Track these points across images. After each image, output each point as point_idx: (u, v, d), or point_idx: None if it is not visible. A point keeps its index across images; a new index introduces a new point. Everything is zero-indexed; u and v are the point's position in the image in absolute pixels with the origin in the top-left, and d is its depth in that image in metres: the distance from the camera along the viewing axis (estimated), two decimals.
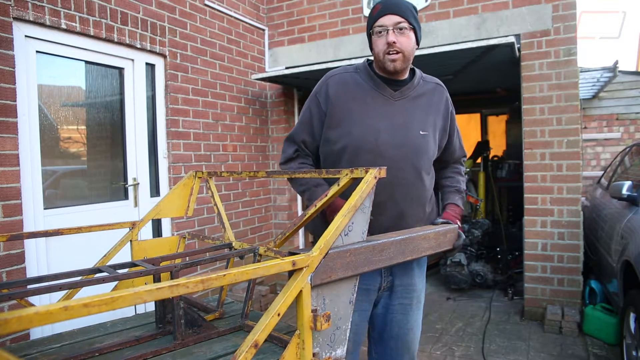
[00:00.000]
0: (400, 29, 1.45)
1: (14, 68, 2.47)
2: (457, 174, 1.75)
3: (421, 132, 1.53)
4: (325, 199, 1.29)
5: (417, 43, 1.55)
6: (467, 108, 8.05)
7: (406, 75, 1.58)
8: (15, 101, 2.48)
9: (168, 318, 1.37)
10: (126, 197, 3.30)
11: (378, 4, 1.52)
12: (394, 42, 1.44)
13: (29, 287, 1.18)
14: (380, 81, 1.53)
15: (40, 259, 2.65)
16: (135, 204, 3.32)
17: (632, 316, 2.59)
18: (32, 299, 2.02)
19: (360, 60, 1.67)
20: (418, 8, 3.95)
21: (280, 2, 4.65)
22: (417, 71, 1.63)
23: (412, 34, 1.49)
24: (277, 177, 2.13)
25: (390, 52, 1.46)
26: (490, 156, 6.38)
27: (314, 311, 1.04)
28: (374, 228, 1.44)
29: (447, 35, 3.90)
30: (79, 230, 1.56)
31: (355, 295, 1.20)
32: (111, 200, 3.20)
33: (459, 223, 1.58)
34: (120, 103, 3.27)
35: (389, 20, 1.46)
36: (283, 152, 1.64)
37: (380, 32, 1.48)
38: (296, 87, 4.75)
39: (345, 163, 1.50)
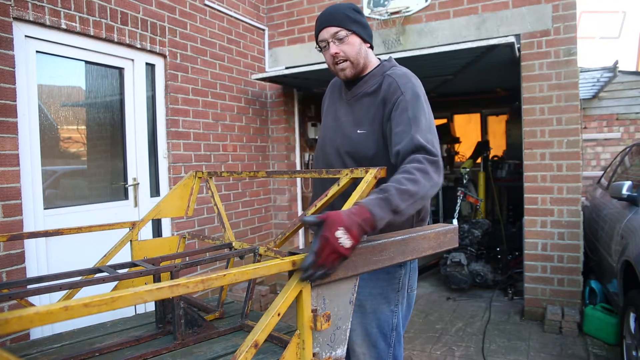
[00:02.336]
0: (340, 38, 1.50)
1: (14, 68, 2.47)
2: (400, 173, 1.23)
3: (359, 131, 1.51)
4: (325, 199, 1.29)
5: (366, 40, 1.56)
6: (467, 108, 8.06)
7: (365, 73, 1.59)
8: (15, 101, 2.48)
9: (168, 318, 1.37)
10: (126, 197, 3.29)
11: (317, 19, 1.57)
12: (336, 53, 1.50)
13: (29, 287, 1.18)
14: (344, 84, 1.65)
15: (40, 259, 2.65)
16: (135, 204, 3.32)
17: (632, 316, 2.59)
18: (32, 299, 2.02)
19: None
20: (418, 8, 3.98)
21: (280, 2, 4.65)
22: (378, 68, 1.57)
23: (354, 38, 1.51)
24: (277, 177, 2.13)
25: (338, 62, 1.52)
26: (490, 156, 6.38)
27: (314, 311, 1.04)
28: None
29: (447, 35, 3.90)
30: (79, 230, 1.56)
31: (355, 295, 1.20)
32: (111, 200, 3.20)
33: (340, 235, 0.98)
34: (120, 103, 3.27)
35: (327, 33, 1.51)
36: None
37: (324, 47, 1.54)
38: (296, 87, 4.75)
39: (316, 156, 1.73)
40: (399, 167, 1.28)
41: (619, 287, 2.86)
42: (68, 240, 2.72)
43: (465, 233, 4.67)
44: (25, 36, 2.59)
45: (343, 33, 1.49)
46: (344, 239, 0.97)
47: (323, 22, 1.52)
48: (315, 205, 1.30)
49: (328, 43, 1.51)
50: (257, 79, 4.39)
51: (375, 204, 1.08)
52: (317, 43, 1.58)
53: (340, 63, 1.52)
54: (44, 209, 2.70)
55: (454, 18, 3.89)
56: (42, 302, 2.39)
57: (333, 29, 1.50)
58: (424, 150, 1.29)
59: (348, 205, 1.13)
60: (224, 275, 0.85)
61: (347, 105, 1.61)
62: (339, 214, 1.00)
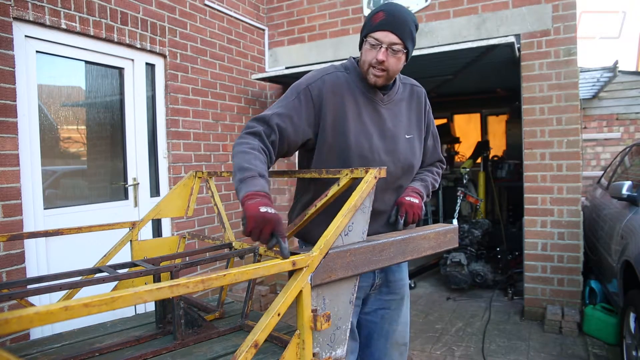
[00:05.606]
0: (395, 50, 1.41)
1: (14, 68, 2.47)
2: (426, 170, 1.69)
3: (407, 136, 1.54)
4: (325, 199, 1.29)
5: (406, 60, 1.50)
6: (467, 108, 8.07)
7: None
8: (15, 101, 2.48)
9: (168, 318, 1.37)
10: (126, 197, 3.30)
11: (381, 12, 1.42)
12: (383, 61, 1.41)
13: (29, 287, 1.18)
14: (370, 85, 1.49)
15: (40, 259, 2.65)
16: (135, 204, 3.32)
17: (632, 316, 2.59)
18: (32, 299, 2.02)
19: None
20: (418, 8, 3.98)
21: (280, 2, 4.65)
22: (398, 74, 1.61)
23: (403, 56, 1.45)
24: (277, 177, 2.13)
25: (376, 67, 1.43)
26: (490, 156, 6.38)
27: (314, 311, 1.04)
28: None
29: (447, 35, 3.90)
30: (79, 230, 1.56)
31: (355, 295, 1.20)
32: (111, 200, 3.20)
33: (412, 200, 1.50)
34: (120, 103, 3.27)
35: (386, 37, 1.40)
36: (247, 127, 1.37)
37: (373, 45, 1.42)
38: None
39: (338, 166, 1.46)
40: (424, 166, 1.70)
41: (619, 287, 2.86)
42: (68, 240, 2.72)
43: (465, 233, 4.66)
44: (25, 36, 2.59)
45: (400, 47, 1.41)
46: (414, 200, 1.50)
47: (389, 24, 1.39)
48: (315, 205, 1.30)
49: (380, 47, 1.40)
50: (257, 79, 4.39)
51: (420, 186, 1.59)
52: (364, 33, 1.45)
53: (378, 71, 1.43)
54: (44, 209, 2.70)
55: (454, 18, 3.89)
56: (42, 302, 2.39)
57: (395, 38, 1.40)
58: (442, 162, 1.76)
59: (348, 205, 1.14)
60: (224, 275, 0.85)
61: (385, 109, 1.51)
62: (405, 200, 1.50)
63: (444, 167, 1.77)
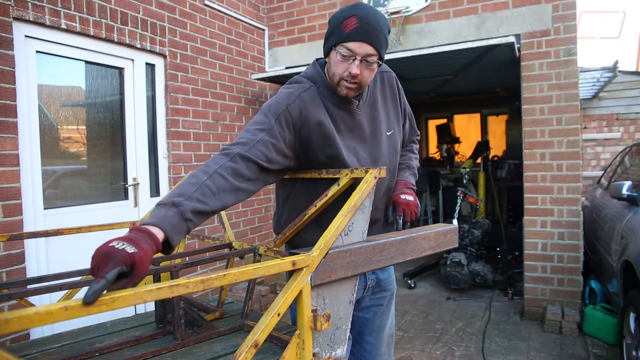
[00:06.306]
0: (369, 62, 1.29)
1: (14, 68, 2.47)
2: (408, 151, 1.68)
3: (387, 134, 1.48)
4: (325, 199, 1.29)
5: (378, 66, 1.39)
6: (467, 108, 8.07)
7: None
8: (15, 101, 2.48)
9: (168, 318, 1.37)
10: (126, 197, 3.30)
11: (353, 17, 1.26)
12: (357, 75, 1.28)
13: (29, 287, 1.18)
14: (334, 96, 1.37)
15: (40, 259, 2.65)
16: (135, 204, 3.32)
17: (632, 316, 2.59)
18: (32, 299, 2.02)
19: None
20: (418, 8, 3.98)
21: (280, 2, 4.65)
22: None
23: (376, 65, 1.33)
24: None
25: (347, 81, 1.30)
26: (490, 156, 6.39)
27: (314, 311, 1.04)
28: None
29: (447, 35, 3.90)
30: (79, 230, 1.56)
31: (355, 295, 1.20)
32: (111, 200, 3.20)
33: (407, 198, 1.47)
34: (120, 103, 3.27)
35: (361, 48, 1.26)
36: (222, 149, 1.22)
37: (345, 56, 1.28)
38: None
39: (332, 184, 1.34)
40: (404, 144, 1.66)
41: (619, 287, 2.86)
42: (68, 240, 2.72)
43: (465, 233, 4.67)
44: (25, 36, 2.59)
45: (375, 59, 1.30)
46: (409, 197, 1.48)
47: (364, 34, 1.26)
48: (315, 205, 1.30)
49: (355, 59, 1.27)
50: (257, 79, 4.39)
51: (410, 176, 1.61)
52: (334, 41, 1.30)
53: (351, 84, 1.31)
54: (44, 209, 2.70)
55: (454, 18, 3.89)
56: (42, 302, 2.39)
57: (370, 50, 1.27)
58: (418, 135, 1.77)
59: (347, 205, 1.14)
60: (224, 275, 0.85)
61: (363, 114, 1.42)
62: (396, 193, 1.51)
63: (419, 137, 1.76)
